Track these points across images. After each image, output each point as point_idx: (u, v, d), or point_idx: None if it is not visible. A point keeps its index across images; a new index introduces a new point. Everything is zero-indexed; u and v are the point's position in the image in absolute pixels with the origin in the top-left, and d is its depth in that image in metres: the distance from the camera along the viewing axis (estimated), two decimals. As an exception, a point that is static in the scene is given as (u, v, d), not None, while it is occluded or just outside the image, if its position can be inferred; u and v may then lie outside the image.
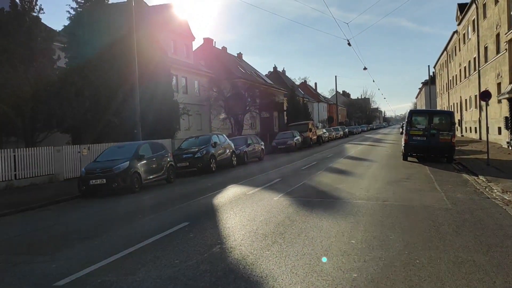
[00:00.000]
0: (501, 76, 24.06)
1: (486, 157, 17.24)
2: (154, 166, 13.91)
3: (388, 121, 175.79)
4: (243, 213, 8.15)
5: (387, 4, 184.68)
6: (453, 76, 45.42)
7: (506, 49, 22.40)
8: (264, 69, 70.02)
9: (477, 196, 9.58)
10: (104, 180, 11.99)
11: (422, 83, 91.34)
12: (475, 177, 12.96)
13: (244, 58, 59.70)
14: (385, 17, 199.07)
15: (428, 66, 59.53)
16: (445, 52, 51.51)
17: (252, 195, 10.37)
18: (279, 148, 30.35)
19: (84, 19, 18.27)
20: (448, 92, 49.85)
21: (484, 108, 29.16)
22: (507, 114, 22.87)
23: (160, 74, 25.09)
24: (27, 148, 15.08)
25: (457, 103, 42.25)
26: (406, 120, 17.79)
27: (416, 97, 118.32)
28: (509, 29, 21.83)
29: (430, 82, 65.16)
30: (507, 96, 21.29)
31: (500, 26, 23.63)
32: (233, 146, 20.50)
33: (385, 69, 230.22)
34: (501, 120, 24.25)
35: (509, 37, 21.79)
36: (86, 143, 17.47)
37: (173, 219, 8.11)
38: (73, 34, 18.01)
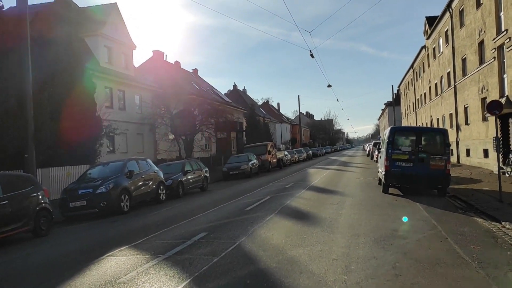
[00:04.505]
0: (486, 90, 20.53)
1: (491, 189, 13.46)
2: (6, 213, 8.69)
3: (351, 143, 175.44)
4: None
5: (348, 30, 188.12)
6: (421, 95, 42.60)
7: (494, 57, 18.89)
8: (226, 90, 65.87)
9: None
10: None
11: (385, 104, 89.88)
12: (498, 224, 8.68)
13: (208, 79, 55.27)
14: (346, 42, 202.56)
15: (392, 86, 57.23)
16: (411, 70, 49.03)
17: (127, 285, 5.40)
18: (231, 174, 25.53)
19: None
20: (416, 112, 47.08)
21: (470, 124, 25.75)
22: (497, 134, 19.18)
23: (78, 83, 19.94)
24: None
25: (427, 123, 39.16)
26: (386, 141, 13.49)
27: (379, 119, 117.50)
28: (497, 34, 18.38)
29: (394, 103, 62.92)
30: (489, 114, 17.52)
31: (484, 31, 20.22)
32: (161, 175, 15.47)
33: (347, 91, 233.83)
34: (488, 141, 20.62)
35: (498, 43, 18.31)
36: None
37: None
38: None
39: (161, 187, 15.12)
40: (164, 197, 15.22)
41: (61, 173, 18.14)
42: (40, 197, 9.88)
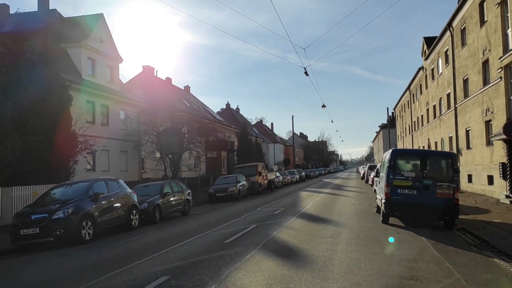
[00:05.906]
0: (491, 112, 19.23)
1: (503, 222, 12.07)
2: None
3: (344, 165, 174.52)
4: None
5: (343, 53, 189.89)
6: (418, 117, 41.47)
7: (500, 77, 17.65)
8: (219, 109, 64.53)
9: None
10: None
11: (380, 126, 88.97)
12: (528, 271, 7.14)
13: (201, 98, 54.08)
14: (341, 65, 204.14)
15: (387, 108, 56.00)
16: (407, 92, 48.09)
17: None
18: (218, 196, 23.83)
19: None
20: (412, 135, 45.90)
21: (473, 148, 24.32)
22: (504, 160, 17.80)
23: (52, 95, 18.43)
24: None
25: (423, 146, 37.88)
26: (387, 164, 11.98)
27: (373, 141, 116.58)
28: (504, 52, 17.20)
29: (390, 125, 61.87)
30: (505, 136, 16.21)
31: (489, 50, 19.07)
32: (134, 198, 13.79)
33: (341, 113, 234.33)
34: (493, 167, 19.21)
35: (505, 62, 17.08)
36: None
37: None
38: None
39: (134, 211, 13.41)
40: (136, 223, 13.50)
41: (26, 192, 16.40)
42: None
